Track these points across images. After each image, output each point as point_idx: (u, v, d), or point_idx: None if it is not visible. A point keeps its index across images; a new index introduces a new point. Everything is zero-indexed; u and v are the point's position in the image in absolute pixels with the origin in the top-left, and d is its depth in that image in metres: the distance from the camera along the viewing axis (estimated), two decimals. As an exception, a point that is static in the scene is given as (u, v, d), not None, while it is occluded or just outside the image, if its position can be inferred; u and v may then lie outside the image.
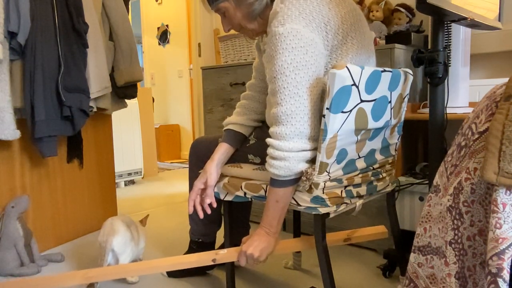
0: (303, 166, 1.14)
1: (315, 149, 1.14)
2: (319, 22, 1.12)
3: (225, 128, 1.45)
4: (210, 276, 1.72)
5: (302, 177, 1.15)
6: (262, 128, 1.44)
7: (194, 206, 1.39)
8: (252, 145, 1.40)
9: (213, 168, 1.37)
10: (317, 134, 1.13)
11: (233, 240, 1.44)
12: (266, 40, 1.23)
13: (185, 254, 1.74)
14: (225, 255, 1.26)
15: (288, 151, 1.11)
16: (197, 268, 1.71)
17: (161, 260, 1.29)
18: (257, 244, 1.21)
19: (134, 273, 1.29)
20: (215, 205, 1.37)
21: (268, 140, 1.16)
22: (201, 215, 1.38)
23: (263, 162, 1.36)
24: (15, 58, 1.76)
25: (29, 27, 1.75)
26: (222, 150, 1.39)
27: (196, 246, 1.71)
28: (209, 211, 1.38)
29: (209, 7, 1.30)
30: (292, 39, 1.08)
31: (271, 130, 1.15)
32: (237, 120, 1.44)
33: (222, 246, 1.81)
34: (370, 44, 1.28)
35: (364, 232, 1.44)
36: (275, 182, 1.17)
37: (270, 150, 1.15)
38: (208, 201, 1.37)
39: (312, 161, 1.16)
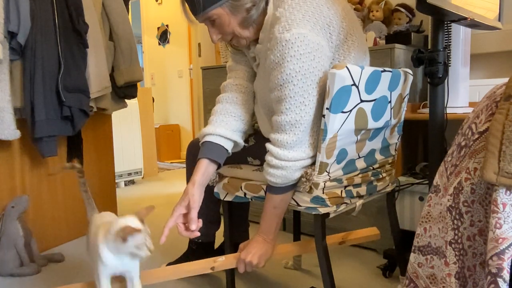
0: (300, 174, 1.14)
1: (314, 156, 1.14)
2: (322, 23, 1.10)
3: (202, 141, 1.27)
4: (210, 276, 1.72)
5: (302, 178, 1.15)
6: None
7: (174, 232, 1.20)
8: (251, 147, 1.39)
9: (194, 190, 1.20)
10: (317, 140, 1.14)
11: (233, 239, 1.44)
12: (257, 49, 1.21)
13: (184, 254, 1.74)
14: (224, 262, 1.25)
15: (287, 160, 1.11)
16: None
17: (161, 270, 1.27)
18: (255, 251, 1.21)
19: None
20: (200, 226, 1.21)
21: (268, 145, 1.15)
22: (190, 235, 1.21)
23: (262, 164, 1.36)
24: (15, 58, 1.76)
25: (29, 27, 1.75)
26: (203, 169, 1.23)
27: (195, 246, 1.71)
28: (197, 234, 1.20)
29: (192, 17, 1.17)
30: (299, 45, 1.04)
31: (273, 136, 1.14)
32: (216, 131, 1.26)
33: (221, 246, 1.80)
34: (365, 40, 1.28)
35: (357, 234, 1.45)
36: (272, 189, 1.17)
37: (268, 158, 1.14)
38: (193, 226, 1.18)
39: (312, 162, 1.16)
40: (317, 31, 1.08)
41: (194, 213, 1.18)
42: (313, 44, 1.06)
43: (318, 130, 1.13)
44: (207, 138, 1.25)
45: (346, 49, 1.16)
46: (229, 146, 1.27)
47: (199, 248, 1.70)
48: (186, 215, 1.20)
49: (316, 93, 1.09)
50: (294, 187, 1.18)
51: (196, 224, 1.18)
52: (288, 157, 1.11)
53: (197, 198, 1.20)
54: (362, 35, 1.24)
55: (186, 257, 1.71)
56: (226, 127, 1.26)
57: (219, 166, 1.28)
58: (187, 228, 1.19)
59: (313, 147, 1.13)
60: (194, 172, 1.22)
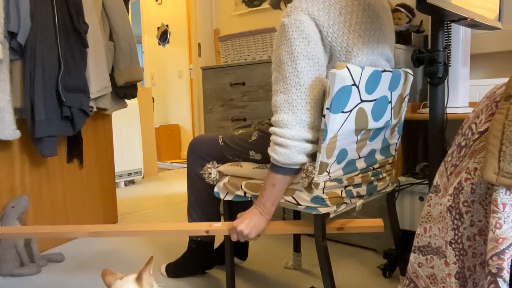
0: (302, 158, 1.14)
1: (316, 141, 1.14)
2: (324, 19, 1.13)
3: None
4: (210, 276, 1.72)
5: (302, 174, 1.15)
6: (264, 124, 1.44)
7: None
8: (254, 141, 1.40)
9: None
10: (319, 124, 1.14)
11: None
12: None
13: (184, 254, 1.73)
14: (218, 228, 1.29)
15: (290, 138, 1.12)
16: (197, 268, 1.72)
17: (159, 225, 1.34)
18: (248, 222, 1.22)
19: (135, 234, 1.33)
20: None
21: (271, 129, 1.17)
22: None
23: (263, 159, 1.36)
24: (15, 58, 1.76)
25: (29, 27, 1.75)
26: None
27: (195, 245, 1.71)
28: None
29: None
30: (294, 30, 1.10)
31: (273, 119, 1.16)
32: None
33: (221, 245, 1.80)
34: (385, 42, 1.28)
35: (360, 223, 1.42)
36: (274, 167, 1.18)
37: (273, 137, 1.16)
38: None
39: (312, 157, 1.16)
40: (318, 20, 1.12)
41: None
42: (308, 31, 1.11)
43: (320, 114, 1.14)
44: None
45: (355, 53, 1.17)
46: None
47: (199, 248, 1.70)
48: None
49: (311, 75, 1.12)
50: (295, 173, 1.18)
51: None
52: (291, 135, 1.12)
53: None
54: (383, 39, 1.25)
55: (186, 257, 1.71)
56: None
57: None
58: None
59: (315, 129, 1.14)
60: None
